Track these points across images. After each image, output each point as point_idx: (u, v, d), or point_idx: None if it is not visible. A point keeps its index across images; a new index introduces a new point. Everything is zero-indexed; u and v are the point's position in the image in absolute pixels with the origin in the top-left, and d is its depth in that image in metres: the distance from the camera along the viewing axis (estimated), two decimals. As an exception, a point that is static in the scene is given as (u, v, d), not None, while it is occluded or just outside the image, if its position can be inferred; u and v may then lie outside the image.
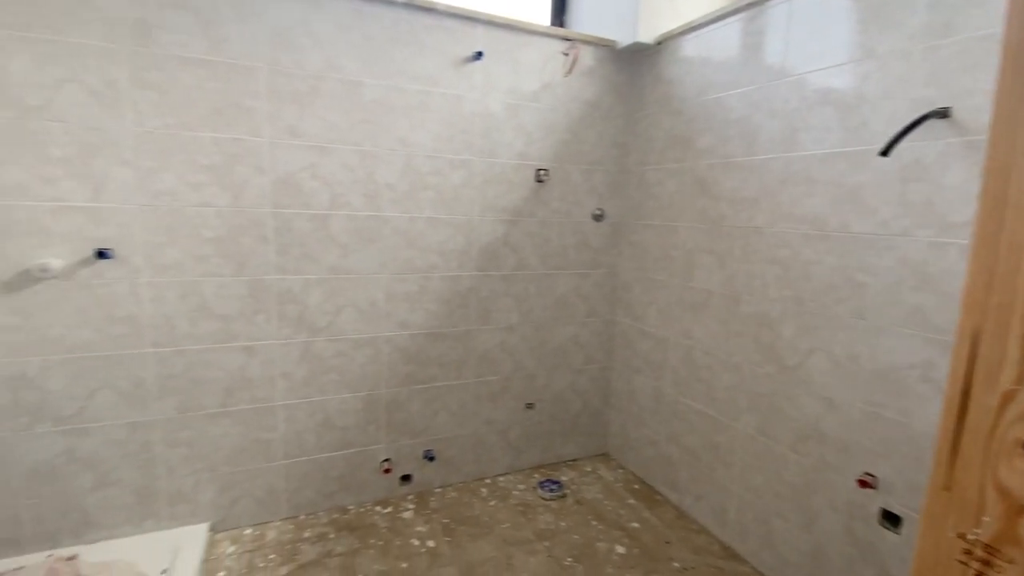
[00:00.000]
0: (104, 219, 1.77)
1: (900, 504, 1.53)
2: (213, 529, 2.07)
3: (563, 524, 2.24)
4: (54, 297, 1.75)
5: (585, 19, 2.65)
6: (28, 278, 1.71)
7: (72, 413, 1.82)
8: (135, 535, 1.96)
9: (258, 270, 1.99)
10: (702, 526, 2.24)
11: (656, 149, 2.43)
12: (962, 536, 0.64)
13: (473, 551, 2.05)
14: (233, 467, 2.08)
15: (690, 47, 2.21)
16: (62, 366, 1.79)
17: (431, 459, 2.43)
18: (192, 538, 1.96)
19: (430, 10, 2.09)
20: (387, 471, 2.33)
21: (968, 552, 0.63)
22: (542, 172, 2.42)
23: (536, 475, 2.62)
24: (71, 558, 1.74)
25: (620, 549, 2.09)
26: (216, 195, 1.89)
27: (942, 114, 1.36)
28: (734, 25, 1.99)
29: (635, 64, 2.52)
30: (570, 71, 2.39)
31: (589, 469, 2.72)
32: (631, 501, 2.43)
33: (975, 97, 1.31)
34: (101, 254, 1.77)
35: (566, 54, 2.37)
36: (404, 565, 1.95)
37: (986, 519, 0.62)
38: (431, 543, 2.08)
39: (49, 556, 1.77)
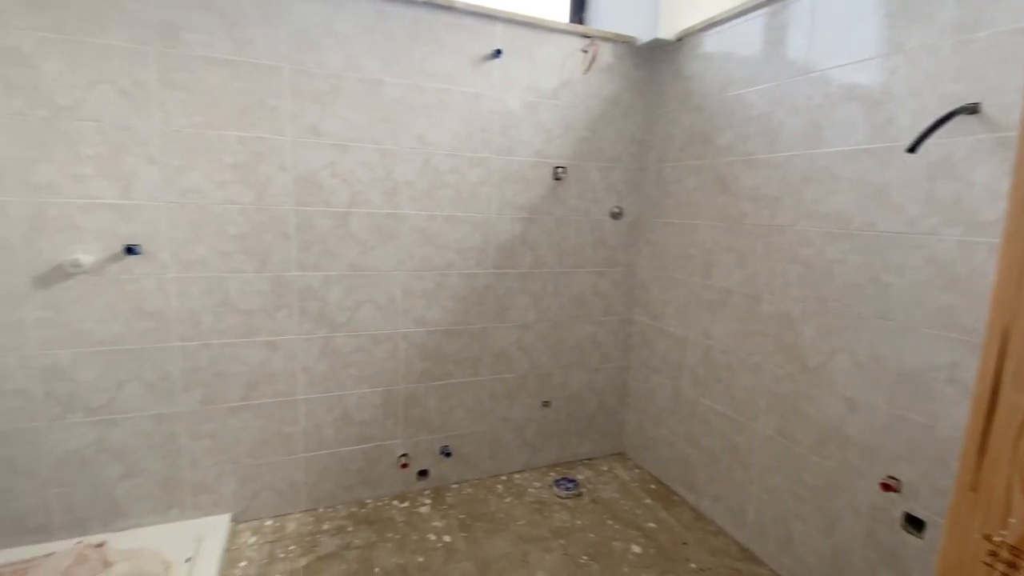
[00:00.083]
0: (133, 216, 1.82)
1: (924, 508, 1.49)
2: (235, 520, 2.12)
3: (579, 522, 2.24)
4: (85, 292, 1.80)
5: (604, 16, 2.64)
6: (60, 273, 1.77)
7: (102, 404, 1.88)
8: (160, 524, 2.01)
9: (280, 266, 2.03)
10: (719, 527, 2.22)
11: (675, 146, 2.40)
12: (988, 538, 0.63)
13: (489, 547, 2.06)
14: (255, 459, 2.12)
15: (711, 43, 2.18)
16: (92, 358, 1.84)
17: (447, 455, 2.44)
18: (215, 528, 2.00)
19: (449, 8, 2.10)
20: (404, 466, 2.36)
21: (994, 554, 0.62)
22: (560, 170, 2.41)
23: (552, 473, 2.63)
24: (99, 545, 1.80)
25: (636, 549, 2.08)
26: (240, 193, 1.93)
27: (972, 110, 1.33)
28: (756, 20, 1.96)
29: (655, 60, 2.51)
30: (589, 68, 2.38)
31: (605, 468, 2.71)
32: (647, 501, 2.42)
33: (1006, 93, 1.28)
34: (130, 250, 1.82)
35: (585, 51, 2.36)
36: (421, 559, 1.97)
37: (1012, 521, 0.60)
38: (447, 538, 2.10)
39: (78, 543, 1.83)
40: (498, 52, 2.20)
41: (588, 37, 2.36)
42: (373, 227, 2.14)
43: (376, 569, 1.91)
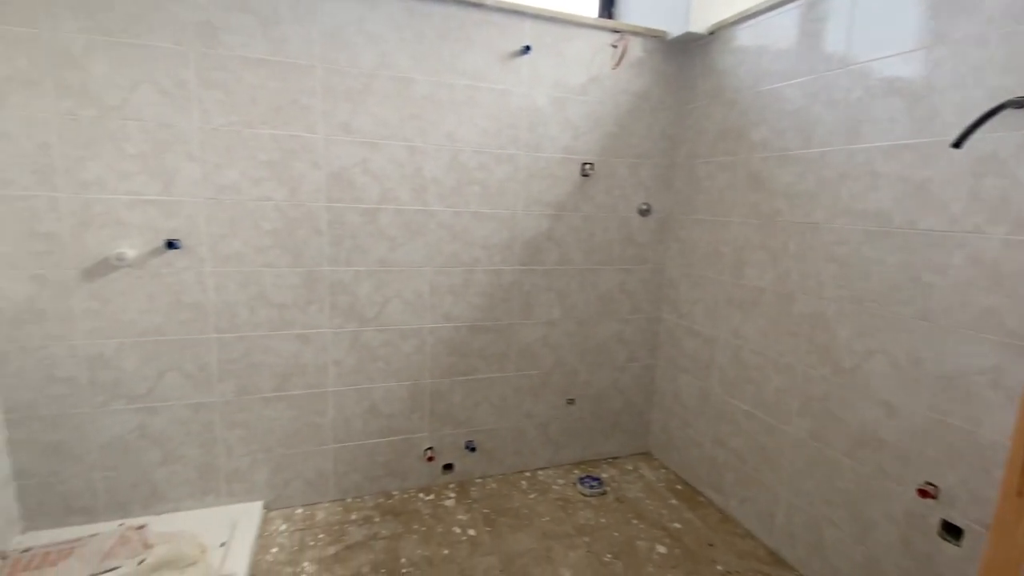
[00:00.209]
0: (173, 212, 1.89)
1: (962, 516, 1.44)
2: (267, 507, 2.18)
3: (603, 520, 2.23)
4: (128, 284, 1.88)
5: (634, 10, 2.61)
6: (106, 266, 1.84)
7: (143, 392, 1.96)
8: (197, 509, 2.09)
9: (312, 261, 2.07)
10: (747, 530, 2.19)
11: (707, 142, 2.37)
12: (1035, 546, 0.60)
13: (513, 542, 2.07)
14: (286, 449, 2.18)
15: (745, 36, 2.14)
16: (134, 348, 1.92)
17: (472, 450, 2.46)
18: (248, 515, 2.07)
19: (479, 5, 2.11)
20: (430, 459, 2.39)
21: (1041, 563, 0.60)
22: (588, 166, 2.40)
23: (576, 471, 2.62)
24: (141, 527, 1.88)
25: (661, 549, 2.07)
26: (274, 189, 1.98)
27: (1020, 104, 1.27)
28: (792, 12, 1.91)
29: (686, 55, 2.47)
30: (618, 63, 2.36)
31: (630, 467, 2.70)
32: (673, 501, 2.40)
33: (1061, 84, 1.22)
34: (170, 245, 1.88)
35: (615, 46, 2.34)
36: (446, 551, 2.00)
37: (1063, 530, 0.58)
38: (472, 532, 2.12)
39: (121, 525, 1.91)
40: (527, 48, 2.19)
41: (618, 32, 2.34)
42: (402, 223, 2.17)
43: (402, 560, 1.94)
